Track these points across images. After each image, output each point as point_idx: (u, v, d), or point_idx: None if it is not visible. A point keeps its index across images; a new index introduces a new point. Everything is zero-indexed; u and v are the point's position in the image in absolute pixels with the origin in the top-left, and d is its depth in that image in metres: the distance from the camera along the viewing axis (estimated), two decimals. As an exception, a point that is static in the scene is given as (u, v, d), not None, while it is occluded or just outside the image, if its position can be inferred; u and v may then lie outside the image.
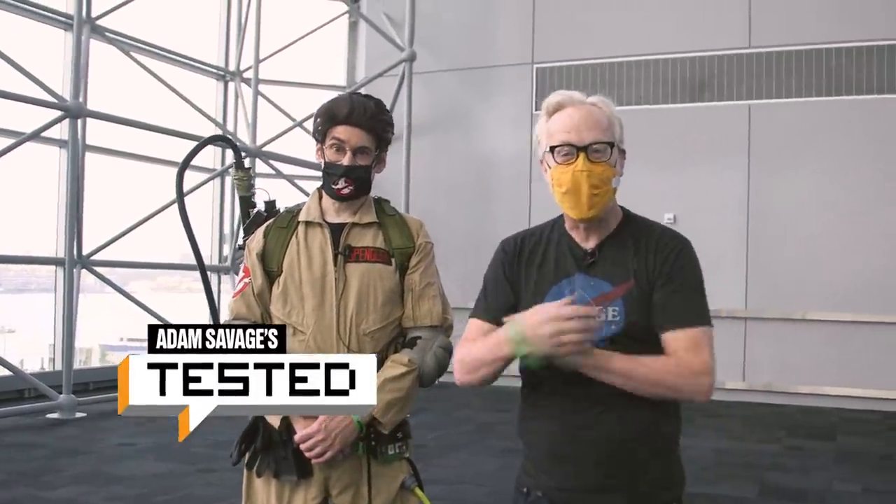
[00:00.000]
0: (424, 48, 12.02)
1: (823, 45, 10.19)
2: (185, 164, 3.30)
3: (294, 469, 2.57)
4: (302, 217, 2.69)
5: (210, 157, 12.27)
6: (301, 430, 2.53)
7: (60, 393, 8.43)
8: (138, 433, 7.72)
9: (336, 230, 2.65)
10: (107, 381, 10.24)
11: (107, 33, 10.02)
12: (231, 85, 12.58)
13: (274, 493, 2.63)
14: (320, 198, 2.72)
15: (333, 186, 2.63)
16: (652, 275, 2.09)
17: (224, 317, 2.80)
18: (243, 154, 3.88)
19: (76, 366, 9.23)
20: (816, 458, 7.11)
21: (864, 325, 9.80)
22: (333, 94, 10.73)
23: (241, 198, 3.10)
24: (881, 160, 9.93)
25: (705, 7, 10.75)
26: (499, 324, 2.22)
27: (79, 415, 8.45)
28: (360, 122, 2.60)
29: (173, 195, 10.15)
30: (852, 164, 10.01)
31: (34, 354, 11.10)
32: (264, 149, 10.85)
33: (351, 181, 2.62)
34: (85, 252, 9.46)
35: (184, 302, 13.99)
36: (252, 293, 2.68)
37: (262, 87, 11.38)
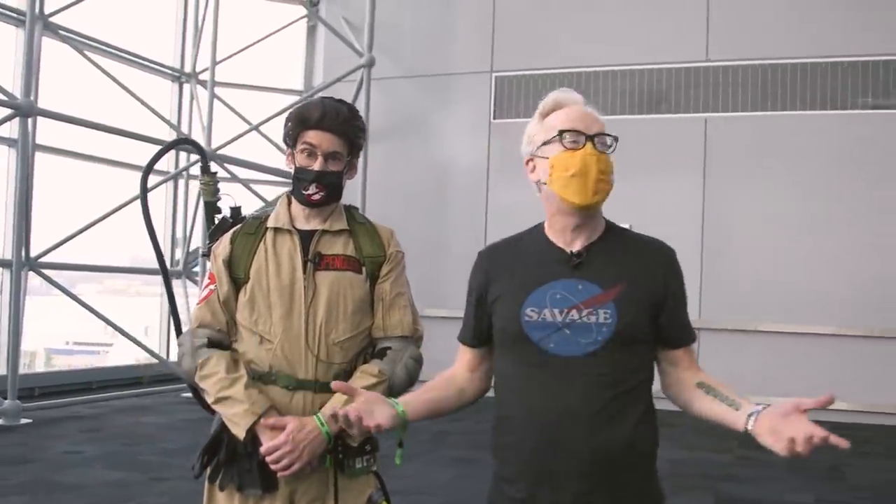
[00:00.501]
0: (383, 54, 11.96)
1: (779, 60, 10.34)
2: (149, 167, 3.25)
3: (258, 482, 2.48)
4: (270, 223, 2.62)
5: (164, 160, 12.06)
6: (267, 442, 2.43)
7: (5, 398, 8.20)
8: (86, 440, 7.55)
9: (305, 237, 2.58)
10: (53, 387, 10.03)
11: (60, 31, 9.83)
12: (186, 87, 12.42)
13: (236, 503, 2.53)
14: (289, 204, 2.65)
15: (304, 192, 2.56)
16: (657, 283, 2.11)
17: (187, 325, 2.71)
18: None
19: (22, 370, 9.02)
20: (769, 468, 7.16)
21: (815, 336, 9.94)
22: (291, 99, 10.68)
23: (206, 203, 3.01)
24: (834, 174, 10.08)
25: (664, 20, 10.85)
26: (474, 346, 2.29)
27: (24, 421, 8.23)
28: (332, 126, 2.54)
29: (124, 198, 10.06)
30: (806, 178, 10.16)
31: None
32: (220, 152, 10.70)
33: (322, 187, 2.55)
34: (33, 254, 9.24)
35: (132, 305, 13.77)
36: (217, 300, 2.59)
37: (218, 90, 11.24)
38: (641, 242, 2.20)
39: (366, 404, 2.03)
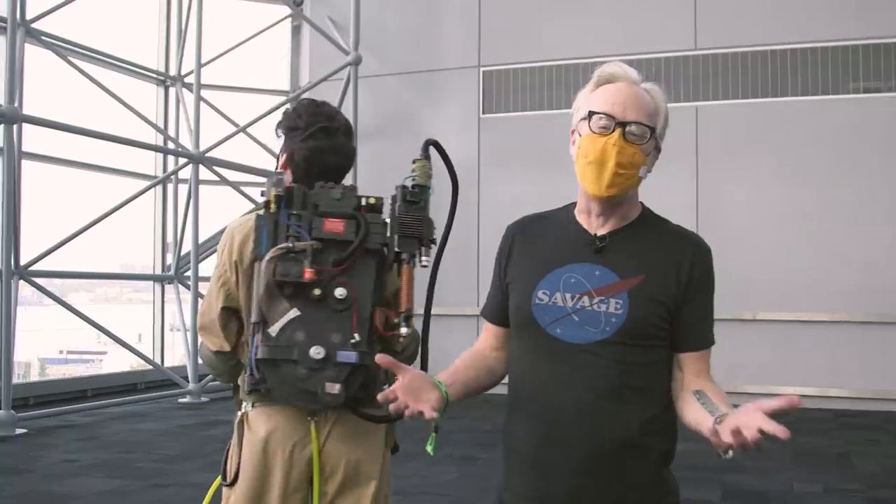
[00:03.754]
0: (369, 52, 11.89)
1: (769, 46, 10.30)
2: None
3: None
4: None
5: (151, 163, 11.99)
6: None
7: (-2, 409, 8.10)
8: (82, 449, 7.44)
9: None
10: (48, 396, 9.92)
11: (43, 37, 9.71)
12: (172, 90, 12.31)
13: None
14: None
15: None
16: (679, 280, 2.00)
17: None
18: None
19: (16, 380, 8.91)
20: (774, 459, 7.11)
21: (814, 324, 9.91)
22: (277, 99, 10.61)
23: (422, 186, 2.75)
24: (828, 160, 10.05)
25: (651, 9, 10.80)
26: (497, 324, 2.19)
27: (19, 431, 8.11)
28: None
29: (112, 203, 9.92)
30: (800, 165, 10.12)
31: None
32: (207, 155, 10.59)
33: None
34: (22, 262, 9.13)
35: (123, 313, 13.68)
36: None
37: (204, 93, 11.11)
38: (674, 235, 2.09)
39: (411, 381, 1.89)
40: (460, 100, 11.75)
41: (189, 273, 10.98)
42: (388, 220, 2.52)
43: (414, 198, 2.50)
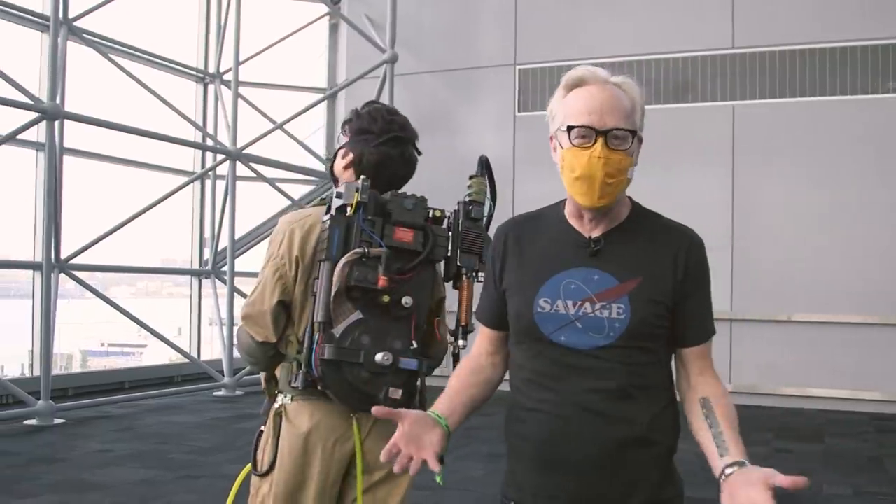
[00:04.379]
0: (406, 50, 11.93)
1: (807, 45, 10.17)
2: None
3: None
4: None
5: (189, 159, 12.15)
6: None
7: (38, 399, 8.27)
8: (118, 440, 7.58)
9: None
10: (87, 387, 10.10)
11: (84, 35, 9.88)
12: (211, 87, 12.46)
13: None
14: None
15: None
16: (675, 276, 1.99)
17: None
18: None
19: (57, 372, 9.08)
20: (805, 460, 7.06)
21: (849, 326, 9.78)
22: (314, 97, 10.69)
23: (481, 203, 2.80)
24: (865, 160, 9.91)
25: (688, 8, 10.72)
26: (493, 328, 2.19)
27: (57, 421, 8.29)
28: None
29: (151, 199, 10.13)
30: (836, 165, 10.00)
31: (14, 360, 10.95)
32: (245, 151, 10.71)
33: None
34: (63, 256, 9.31)
35: (164, 307, 13.87)
36: None
37: (242, 90, 11.24)
38: (666, 230, 2.06)
39: (412, 427, 1.91)
40: (496, 98, 11.77)
41: (226, 268, 11.10)
42: (450, 234, 2.61)
43: (477, 215, 2.60)
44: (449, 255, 2.62)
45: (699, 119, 10.61)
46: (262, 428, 2.73)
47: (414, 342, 2.46)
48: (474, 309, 2.41)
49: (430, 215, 2.57)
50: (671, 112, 10.73)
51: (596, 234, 2.03)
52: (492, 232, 2.31)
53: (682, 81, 10.75)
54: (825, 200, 10.01)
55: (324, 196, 2.71)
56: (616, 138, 1.95)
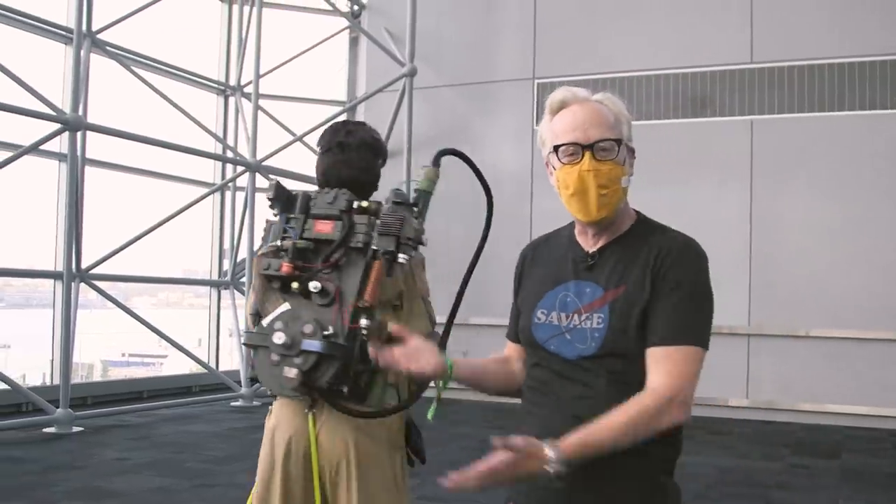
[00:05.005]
0: (425, 63, 12.00)
1: (825, 60, 10.15)
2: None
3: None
4: None
5: (210, 171, 12.24)
6: None
7: (57, 407, 8.34)
8: (135, 448, 7.64)
9: None
10: (105, 396, 10.17)
11: (107, 47, 10.01)
12: (231, 99, 12.56)
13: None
14: None
15: None
16: (647, 282, 1.97)
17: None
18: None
19: (77, 381, 9.14)
20: (822, 476, 7.02)
21: (868, 342, 9.71)
22: (334, 110, 10.76)
23: (419, 190, 2.92)
24: (885, 175, 9.86)
25: (707, 22, 10.73)
26: (516, 342, 2.26)
27: (76, 429, 8.36)
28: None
29: (172, 210, 10.22)
30: (856, 180, 9.95)
31: (36, 369, 11.05)
32: (264, 163, 10.79)
33: None
34: (84, 266, 9.40)
35: (184, 318, 13.96)
36: None
37: (262, 102, 11.34)
38: (656, 238, 2.05)
39: (414, 347, 2.08)
40: (515, 111, 11.81)
41: (244, 279, 11.18)
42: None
43: (400, 198, 2.60)
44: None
45: (717, 133, 10.60)
46: None
47: (331, 328, 2.47)
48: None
49: (356, 206, 2.63)
50: (689, 126, 10.73)
51: (596, 248, 2.08)
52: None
53: (700, 96, 10.75)
54: (844, 215, 9.96)
55: None
56: (603, 150, 2.00)
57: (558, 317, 2.05)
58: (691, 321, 1.97)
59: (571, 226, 2.18)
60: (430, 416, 2.13)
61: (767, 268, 10.20)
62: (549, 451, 1.80)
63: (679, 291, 1.96)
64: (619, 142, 2.02)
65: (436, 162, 2.64)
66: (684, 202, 10.33)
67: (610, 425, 1.85)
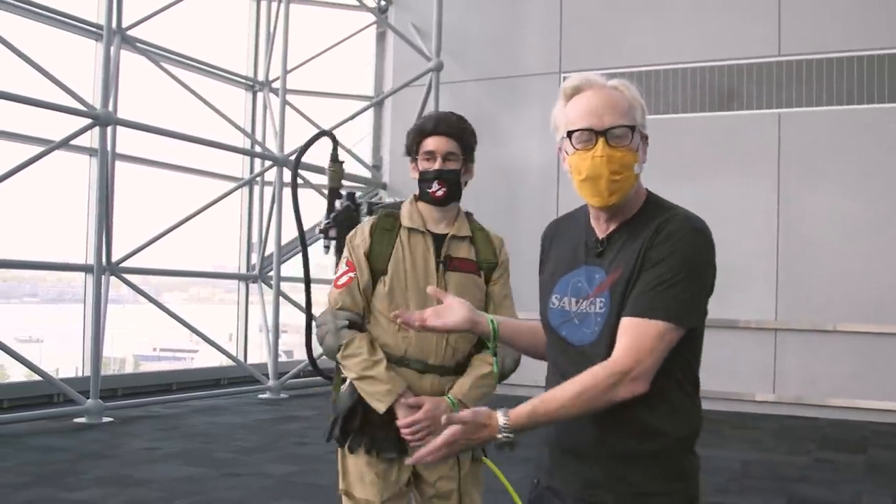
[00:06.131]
0: (452, 58, 12.03)
1: (853, 52, 10.07)
2: (297, 162, 3.74)
3: (395, 447, 2.87)
4: (405, 223, 2.96)
5: (238, 166, 12.35)
6: (403, 418, 2.82)
7: (88, 398, 8.48)
8: (164, 438, 7.76)
9: (438, 240, 2.94)
10: (136, 387, 10.32)
11: (137, 44, 10.12)
12: (260, 95, 12.66)
13: (367, 466, 2.91)
14: (417, 207, 3.00)
15: (429, 191, 2.92)
16: (639, 261, 1.99)
17: (322, 307, 3.02)
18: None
19: (110, 374, 9.27)
20: (846, 471, 6.98)
21: (895, 336, 9.63)
22: (361, 104, 10.89)
23: (329, 189, 3.28)
24: (913, 169, 9.78)
25: (734, 15, 10.67)
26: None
27: (106, 419, 8.50)
28: (446, 130, 2.92)
29: (201, 203, 10.36)
30: (883, 173, 9.87)
31: (70, 363, 11.22)
32: (292, 158, 10.87)
33: (443, 183, 2.91)
34: (114, 259, 9.53)
35: (215, 313, 14.09)
36: (358, 287, 2.93)
37: (290, 97, 11.43)
38: (657, 219, 2.03)
39: (445, 308, 2.17)
40: (541, 105, 11.77)
41: (272, 273, 11.28)
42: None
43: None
44: None
45: (745, 127, 10.54)
46: None
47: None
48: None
49: None
50: (716, 120, 10.68)
51: (607, 234, 2.09)
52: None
53: (727, 89, 10.69)
54: (871, 209, 9.88)
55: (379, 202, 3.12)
56: (616, 136, 2.00)
57: (569, 302, 2.09)
58: (666, 296, 1.93)
59: (586, 208, 2.17)
60: (495, 369, 2.48)
61: (795, 262, 10.14)
62: (499, 419, 1.88)
63: (661, 266, 1.95)
64: (632, 128, 2.02)
65: (335, 158, 3.12)
66: (711, 196, 10.28)
67: (561, 395, 1.91)
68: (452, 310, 2.13)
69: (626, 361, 1.90)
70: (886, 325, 9.65)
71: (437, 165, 2.90)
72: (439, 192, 2.90)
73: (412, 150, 2.97)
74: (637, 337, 1.92)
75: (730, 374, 10.01)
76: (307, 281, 3.60)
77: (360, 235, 2.95)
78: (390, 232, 2.93)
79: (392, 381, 2.83)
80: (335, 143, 3.70)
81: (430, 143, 2.91)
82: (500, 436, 1.88)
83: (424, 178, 2.92)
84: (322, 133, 3.57)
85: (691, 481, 2.08)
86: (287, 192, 11.09)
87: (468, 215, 3.05)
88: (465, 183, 3.00)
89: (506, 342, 2.27)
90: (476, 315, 2.18)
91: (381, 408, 2.83)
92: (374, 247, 2.92)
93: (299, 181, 10.97)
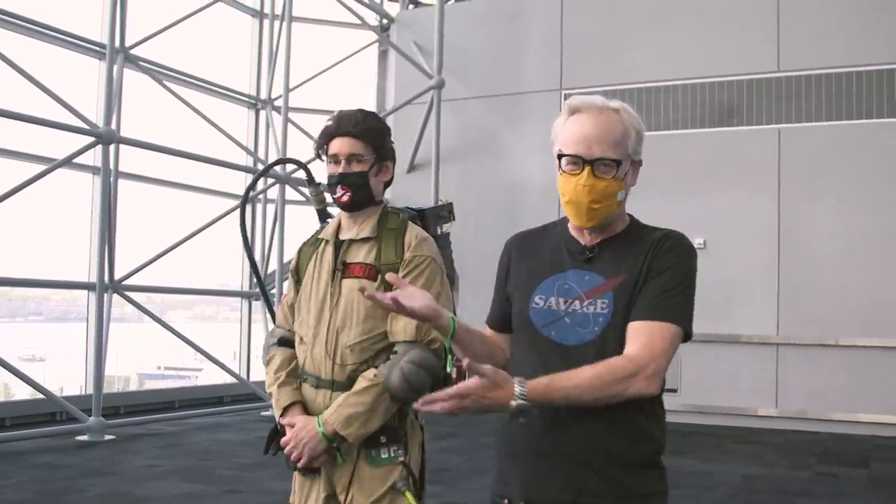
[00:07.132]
0: (453, 75, 12.08)
1: (853, 67, 10.10)
2: (250, 188, 3.80)
3: (295, 465, 2.79)
4: (321, 234, 2.89)
5: (241, 183, 12.40)
6: (283, 439, 2.76)
7: (90, 415, 8.49)
8: (165, 455, 7.76)
9: (339, 247, 2.81)
10: (138, 405, 10.33)
11: (140, 62, 10.20)
12: (262, 113, 12.74)
13: (299, 483, 2.85)
14: (341, 216, 2.88)
15: (334, 196, 2.79)
16: (644, 268, 2.07)
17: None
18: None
19: (112, 392, 9.29)
20: (848, 485, 6.97)
21: (897, 350, 9.63)
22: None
23: (317, 210, 3.14)
24: (913, 184, 9.79)
25: (734, 31, 10.72)
26: (498, 330, 2.32)
27: (108, 437, 8.51)
28: (348, 131, 2.75)
29: (204, 221, 10.38)
30: (883, 188, 9.87)
31: (74, 381, 11.25)
32: (294, 176, 10.93)
33: (346, 188, 2.75)
34: (116, 277, 9.57)
35: (219, 332, 14.12)
36: (287, 304, 2.92)
37: (292, 115, 11.49)
38: (651, 234, 2.15)
39: (408, 295, 2.10)
40: (543, 122, 11.65)
41: (275, 290, 11.30)
42: None
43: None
44: None
45: (744, 142, 10.56)
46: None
47: None
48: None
49: None
50: (716, 136, 10.71)
51: (592, 242, 2.16)
52: None
53: (727, 105, 10.73)
54: (872, 223, 9.89)
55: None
56: (604, 166, 2.07)
57: (556, 302, 2.12)
58: (675, 302, 2.05)
59: (564, 221, 2.24)
60: (448, 368, 2.31)
61: (796, 277, 10.14)
62: (516, 387, 1.88)
63: (666, 275, 2.06)
64: (618, 163, 2.08)
65: (310, 181, 3.03)
66: (712, 211, 10.33)
67: (577, 375, 1.94)
68: (414, 297, 2.10)
69: (644, 356, 1.97)
70: (888, 338, 9.63)
71: (340, 169, 2.75)
72: (344, 198, 2.75)
73: (319, 153, 2.85)
74: (652, 338, 2.00)
75: (731, 389, 10.02)
76: (267, 301, 3.52)
77: (294, 253, 2.95)
78: (313, 247, 2.88)
79: (281, 397, 2.77)
80: (301, 167, 3.40)
81: (334, 146, 2.77)
82: (513, 403, 1.88)
83: (329, 183, 2.79)
84: (280, 161, 3.49)
85: (664, 487, 2.15)
86: (290, 208, 11.15)
87: (389, 214, 2.84)
88: (386, 184, 2.86)
89: (460, 343, 2.19)
90: (439, 308, 2.12)
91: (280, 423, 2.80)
92: (300, 263, 2.90)
93: (300, 199, 11.14)
